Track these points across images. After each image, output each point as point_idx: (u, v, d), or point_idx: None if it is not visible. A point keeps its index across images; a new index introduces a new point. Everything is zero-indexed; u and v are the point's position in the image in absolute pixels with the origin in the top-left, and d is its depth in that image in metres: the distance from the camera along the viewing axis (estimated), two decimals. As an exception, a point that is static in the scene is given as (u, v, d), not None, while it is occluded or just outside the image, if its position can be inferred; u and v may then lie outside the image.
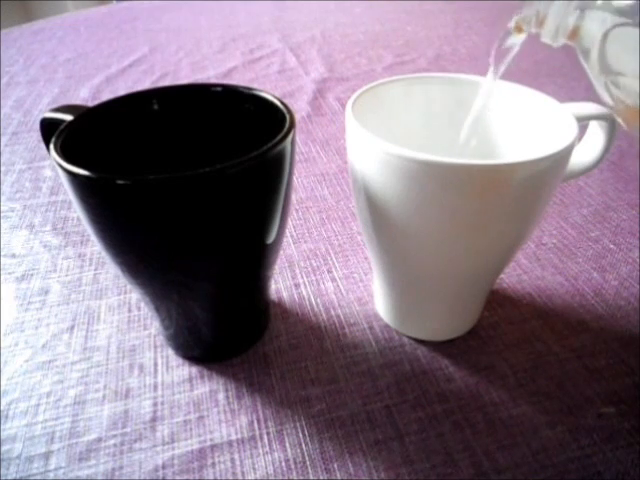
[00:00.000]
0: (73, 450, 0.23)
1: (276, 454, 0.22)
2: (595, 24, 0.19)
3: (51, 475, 0.22)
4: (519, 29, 0.21)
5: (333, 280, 0.32)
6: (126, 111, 0.24)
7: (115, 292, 0.31)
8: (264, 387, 0.25)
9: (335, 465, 0.22)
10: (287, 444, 0.23)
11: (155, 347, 0.27)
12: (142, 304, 0.30)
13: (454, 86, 0.26)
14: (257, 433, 0.23)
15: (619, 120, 0.21)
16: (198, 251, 0.20)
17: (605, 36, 0.18)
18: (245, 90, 0.25)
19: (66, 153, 0.19)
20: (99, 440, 0.23)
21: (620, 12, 0.18)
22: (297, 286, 0.31)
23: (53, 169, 0.44)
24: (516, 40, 0.22)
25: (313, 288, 0.31)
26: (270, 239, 0.23)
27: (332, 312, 0.29)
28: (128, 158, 0.25)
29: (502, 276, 0.32)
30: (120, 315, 0.29)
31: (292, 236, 0.36)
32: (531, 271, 0.32)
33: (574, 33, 0.19)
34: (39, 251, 0.34)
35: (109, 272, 0.32)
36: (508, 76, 0.24)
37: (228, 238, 0.21)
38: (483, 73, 0.25)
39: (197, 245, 0.20)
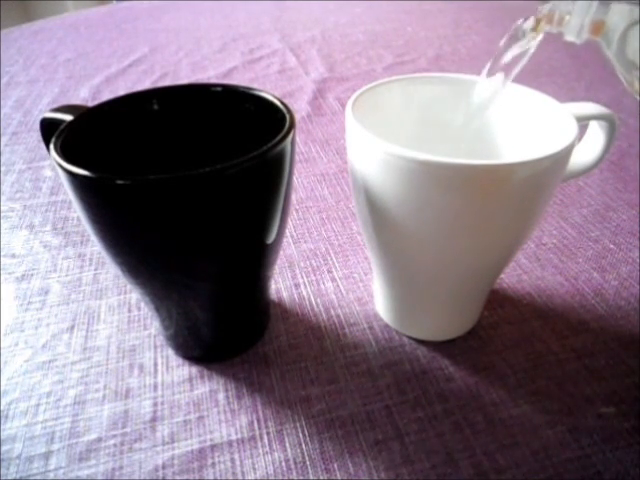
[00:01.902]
0: (73, 450, 0.23)
1: (276, 454, 0.22)
2: (620, 16, 0.19)
3: (51, 475, 0.22)
4: (538, 27, 0.21)
5: (333, 280, 0.32)
6: (126, 111, 0.24)
7: (115, 292, 0.31)
8: (264, 387, 0.25)
9: (335, 465, 0.22)
10: (287, 444, 0.23)
11: (155, 347, 0.27)
12: (142, 304, 0.30)
13: (454, 86, 0.26)
14: (257, 433, 0.23)
15: None
16: (198, 251, 0.20)
17: (629, 29, 0.19)
18: (245, 90, 0.25)
19: (66, 153, 0.19)
20: (99, 440, 0.23)
21: None
22: (297, 286, 0.31)
23: (53, 169, 0.44)
24: (531, 42, 0.22)
25: (313, 288, 0.31)
26: (270, 239, 0.23)
27: (332, 312, 0.29)
28: (128, 158, 0.25)
29: (502, 276, 0.32)
30: (120, 315, 0.29)
31: (292, 236, 0.36)
32: (531, 271, 0.32)
33: (598, 28, 0.20)
34: (39, 251, 0.34)
35: (109, 272, 0.32)
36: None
37: (228, 238, 0.21)
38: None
39: (197, 245, 0.20)
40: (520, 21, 0.22)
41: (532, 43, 0.22)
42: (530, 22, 0.21)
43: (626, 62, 0.20)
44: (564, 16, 0.20)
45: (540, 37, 0.22)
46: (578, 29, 0.20)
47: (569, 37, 0.21)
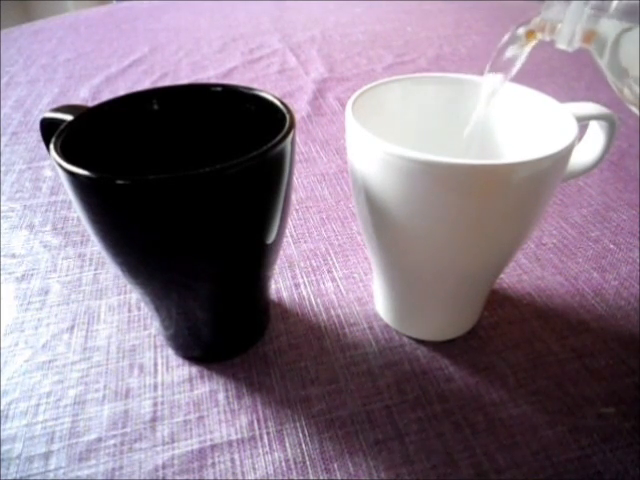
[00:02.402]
0: (73, 450, 0.23)
1: (276, 454, 0.22)
2: (610, 26, 0.19)
3: (51, 475, 0.22)
4: (531, 36, 0.21)
5: (333, 280, 0.32)
6: (126, 111, 0.24)
7: (115, 292, 0.31)
8: (264, 387, 0.25)
9: (335, 465, 0.22)
10: (287, 444, 0.23)
11: (155, 347, 0.27)
12: (142, 304, 0.30)
13: (454, 86, 0.26)
14: (257, 433, 0.23)
15: None
16: (198, 251, 0.20)
17: (621, 37, 0.19)
18: (245, 90, 0.25)
19: (66, 153, 0.19)
20: (99, 440, 0.23)
21: (631, 13, 0.18)
22: (297, 286, 0.31)
23: (53, 169, 0.44)
24: (525, 48, 0.22)
25: (313, 288, 0.31)
26: (270, 239, 0.23)
27: (332, 312, 0.29)
28: (128, 158, 0.25)
29: (502, 276, 0.32)
30: (120, 315, 0.29)
31: (292, 236, 0.36)
32: (531, 271, 0.32)
33: (589, 37, 0.20)
34: (39, 251, 0.34)
35: (109, 272, 0.32)
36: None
37: (228, 238, 0.21)
38: (483, 73, 0.25)
39: (197, 245, 0.20)
40: (516, 27, 0.22)
41: (524, 49, 0.22)
42: (522, 30, 0.21)
43: (618, 69, 0.20)
44: (556, 24, 0.20)
45: (531, 46, 0.22)
46: (570, 37, 0.20)
47: (561, 45, 0.21)
